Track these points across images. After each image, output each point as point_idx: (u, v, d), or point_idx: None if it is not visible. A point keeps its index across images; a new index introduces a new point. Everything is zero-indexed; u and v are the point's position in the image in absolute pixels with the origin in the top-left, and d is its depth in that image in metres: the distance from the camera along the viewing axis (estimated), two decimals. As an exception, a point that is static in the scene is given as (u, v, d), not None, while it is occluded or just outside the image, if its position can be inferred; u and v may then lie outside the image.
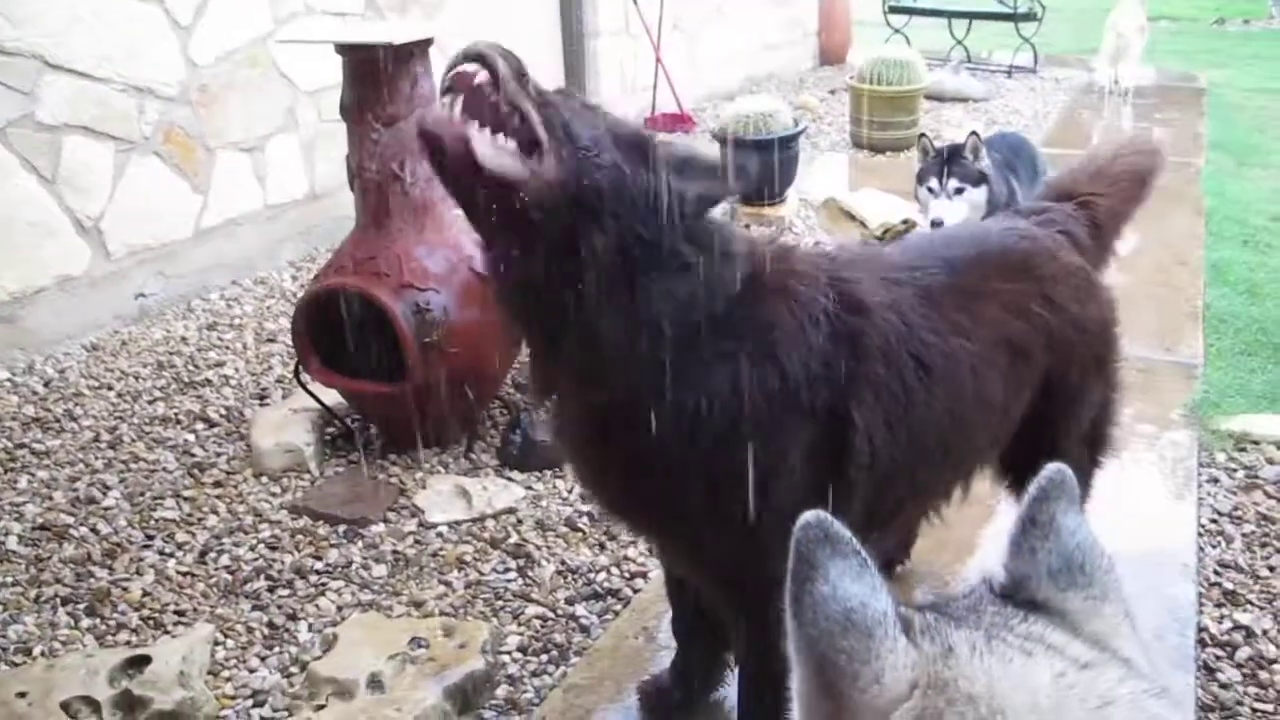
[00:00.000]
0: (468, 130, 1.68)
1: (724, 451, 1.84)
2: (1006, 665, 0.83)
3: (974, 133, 4.41)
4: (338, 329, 3.51)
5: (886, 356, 1.95)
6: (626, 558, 3.10)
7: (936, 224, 4.39)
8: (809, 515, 0.89)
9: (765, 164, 5.54)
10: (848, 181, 6.92)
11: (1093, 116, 9.04)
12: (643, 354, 1.78)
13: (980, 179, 4.34)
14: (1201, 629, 2.79)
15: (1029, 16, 10.58)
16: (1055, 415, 2.35)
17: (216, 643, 2.80)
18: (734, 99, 8.67)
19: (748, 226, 4.59)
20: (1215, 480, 3.47)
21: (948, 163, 4.39)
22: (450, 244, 3.52)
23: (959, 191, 4.35)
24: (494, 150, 1.68)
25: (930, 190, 4.42)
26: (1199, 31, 14.93)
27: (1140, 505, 3.32)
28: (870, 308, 1.96)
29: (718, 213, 1.90)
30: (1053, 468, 0.97)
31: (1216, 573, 3.02)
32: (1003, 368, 2.14)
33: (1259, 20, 16.49)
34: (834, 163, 7.43)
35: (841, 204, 5.52)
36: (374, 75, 3.32)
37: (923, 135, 4.69)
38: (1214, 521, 3.26)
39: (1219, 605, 2.89)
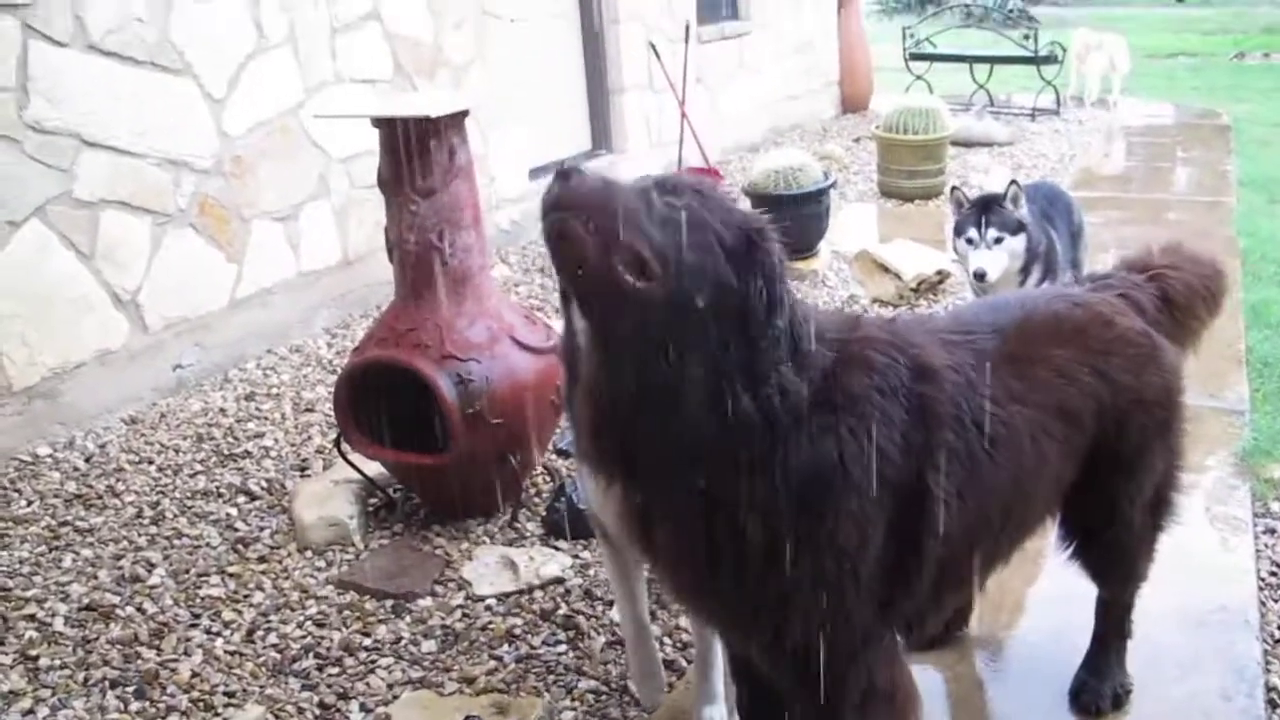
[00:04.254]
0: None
1: (817, 526, 1.80)
2: None
3: (1014, 181, 4.35)
4: (378, 399, 3.50)
5: (957, 422, 1.93)
6: (678, 627, 3.05)
7: (979, 275, 4.30)
8: None
9: (796, 218, 5.53)
10: (877, 232, 6.91)
11: (1118, 157, 9.04)
12: (734, 440, 1.75)
13: (1019, 227, 4.27)
14: (1270, 688, 2.71)
15: (1050, 59, 10.63)
16: (1116, 483, 2.33)
17: (268, 725, 2.78)
18: (758, 150, 8.73)
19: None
20: (1272, 531, 3.40)
21: (985, 212, 4.32)
22: (490, 313, 3.51)
23: (998, 241, 4.27)
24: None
25: (969, 241, 4.33)
26: (1218, 66, 14.91)
27: (1196, 558, 3.23)
28: (939, 371, 1.94)
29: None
30: None
31: (1281, 628, 2.95)
32: (1056, 435, 2.12)
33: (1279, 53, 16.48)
34: (863, 213, 7.43)
35: (875, 256, 5.50)
36: (411, 148, 3.33)
37: (955, 187, 4.63)
38: (1274, 574, 3.19)
39: (1287, 663, 2.82)
